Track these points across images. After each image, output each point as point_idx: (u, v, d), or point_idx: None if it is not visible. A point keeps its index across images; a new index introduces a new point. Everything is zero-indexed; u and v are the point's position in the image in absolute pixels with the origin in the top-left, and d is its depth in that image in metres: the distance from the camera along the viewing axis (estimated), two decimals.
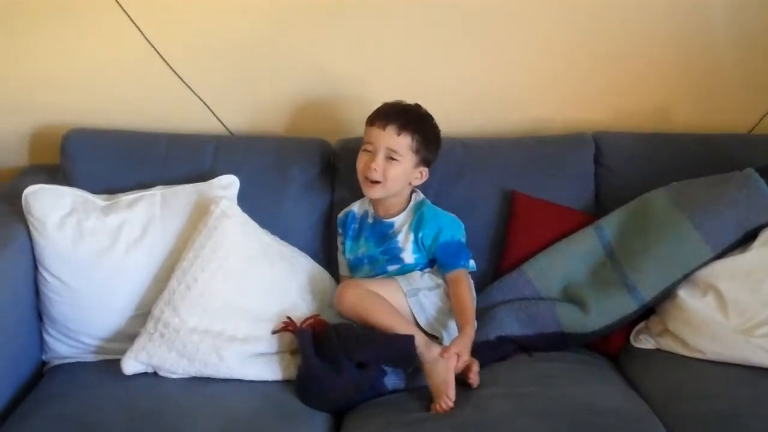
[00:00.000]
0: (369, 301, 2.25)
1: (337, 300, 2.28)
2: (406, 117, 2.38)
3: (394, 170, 2.36)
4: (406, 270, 2.41)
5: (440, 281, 2.38)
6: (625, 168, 2.64)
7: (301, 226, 2.57)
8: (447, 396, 2.07)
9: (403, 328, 2.21)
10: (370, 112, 2.43)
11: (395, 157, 2.36)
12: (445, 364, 2.12)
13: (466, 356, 2.16)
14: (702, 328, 2.29)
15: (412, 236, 2.40)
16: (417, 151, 2.38)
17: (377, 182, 2.37)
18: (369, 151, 2.38)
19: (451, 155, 2.57)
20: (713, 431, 2.01)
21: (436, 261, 2.41)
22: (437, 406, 2.07)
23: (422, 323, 2.29)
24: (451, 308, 2.34)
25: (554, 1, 2.72)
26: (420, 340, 2.19)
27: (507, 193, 2.58)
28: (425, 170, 2.44)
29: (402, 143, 2.36)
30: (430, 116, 2.45)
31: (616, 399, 2.14)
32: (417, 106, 2.44)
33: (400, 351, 2.16)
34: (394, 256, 2.41)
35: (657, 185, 2.51)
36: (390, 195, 2.42)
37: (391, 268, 2.42)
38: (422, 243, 2.40)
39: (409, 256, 2.40)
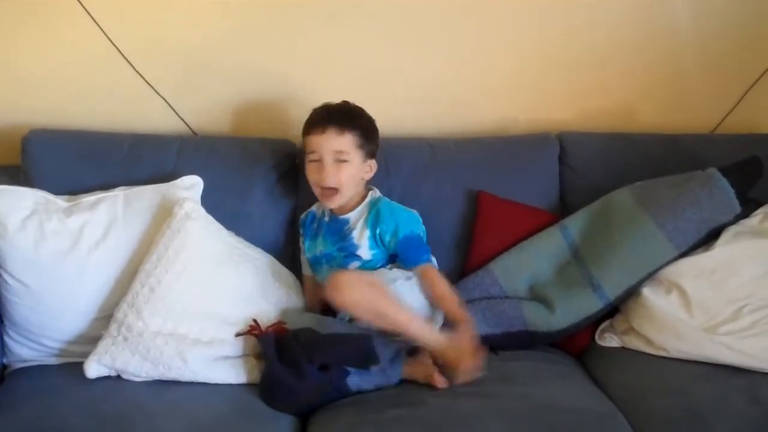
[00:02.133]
0: (374, 291, 2.20)
1: (333, 290, 2.17)
2: (341, 116, 2.37)
3: (346, 171, 2.36)
4: (366, 268, 2.39)
5: (410, 274, 2.36)
6: (589, 168, 2.66)
7: (266, 227, 2.56)
8: (474, 362, 2.15)
9: (408, 316, 2.20)
10: None
11: (343, 158, 2.35)
12: (462, 337, 2.18)
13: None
14: (666, 326, 2.31)
15: (368, 232, 2.38)
16: (361, 146, 2.37)
17: (333, 189, 2.35)
18: (316, 161, 2.36)
19: (417, 156, 2.58)
20: (678, 428, 2.02)
21: (397, 257, 2.40)
22: (463, 377, 2.14)
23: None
24: (429, 301, 2.33)
25: (519, 2, 2.73)
26: (419, 324, 2.21)
27: (473, 193, 2.58)
28: (373, 162, 2.43)
29: (346, 142, 2.35)
30: (361, 108, 2.43)
31: (581, 397, 2.15)
32: (345, 103, 2.42)
33: (359, 351, 2.15)
34: (351, 253, 2.39)
35: (621, 185, 2.53)
36: (348, 198, 2.41)
37: (352, 265, 2.40)
38: (380, 239, 2.38)
39: (365, 252, 2.38)
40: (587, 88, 2.84)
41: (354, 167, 2.37)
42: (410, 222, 2.40)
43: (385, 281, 2.27)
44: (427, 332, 2.21)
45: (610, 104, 2.87)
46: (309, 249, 2.49)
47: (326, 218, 2.46)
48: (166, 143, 2.59)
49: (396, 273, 2.36)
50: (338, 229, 2.43)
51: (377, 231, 2.38)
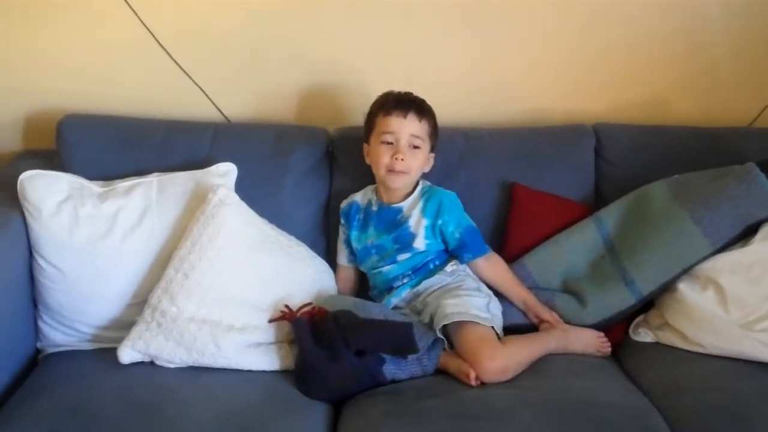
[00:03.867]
0: (526, 355, 2.23)
1: (500, 375, 2.14)
2: (418, 104, 2.39)
3: (418, 159, 2.38)
4: (416, 260, 2.40)
5: (479, 284, 2.40)
6: (624, 160, 2.63)
7: (299, 215, 2.55)
8: (603, 339, 2.36)
9: (546, 346, 2.30)
10: (369, 101, 2.44)
11: (418, 143, 2.36)
12: (580, 331, 2.37)
13: (555, 314, 2.40)
14: (702, 321, 2.29)
15: (425, 221, 2.39)
16: (431, 137, 2.41)
17: (402, 172, 2.36)
18: (389, 143, 2.36)
19: (452, 146, 2.57)
20: (713, 425, 2.00)
21: (458, 248, 2.40)
22: (600, 351, 2.35)
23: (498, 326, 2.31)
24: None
25: None
26: (552, 344, 2.31)
27: (507, 184, 2.57)
28: (433, 156, 2.45)
29: (423, 129, 2.38)
30: (425, 101, 2.45)
31: (615, 392, 2.14)
32: (408, 93, 2.44)
33: (398, 338, 2.14)
34: (406, 243, 2.39)
35: (656, 178, 2.51)
36: (411, 184, 2.42)
37: (401, 257, 2.40)
38: (441, 230, 2.39)
39: (421, 242, 2.39)
40: (622, 79, 2.81)
41: (423, 156, 2.39)
42: (464, 213, 2.42)
43: (485, 319, 2.27)
44: (551, 344, 2.30)
45: (644, 96, 2.85)
46: (358, 240, 2.48)
47: (374, 207, 2.46)
48: (200, 130, 2.59)
49: (471, 283, 2.39)
50: (391, 219, 2.43)
51: (438, 222, 2.38)
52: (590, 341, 2.36)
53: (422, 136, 2.36)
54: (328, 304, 2.27)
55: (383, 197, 2.45)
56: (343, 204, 2.53)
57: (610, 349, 2.38)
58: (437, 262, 2.41)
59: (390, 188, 2.42)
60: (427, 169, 2.44)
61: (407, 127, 2.35)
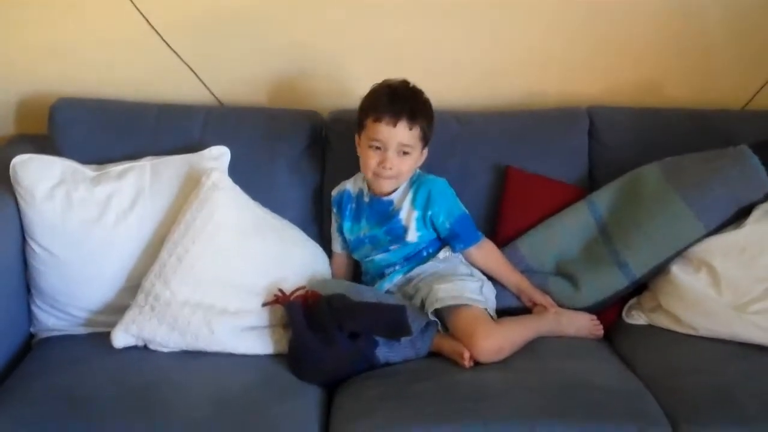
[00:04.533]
0: (521, 334, 2.25)
1: (496, 354, 2.15)
2: (412, 107, 2.31)
3: (408, 164, 2.34)
4: (409, 249, 2.39)
5: (471, 270, 2.40)
6: (618, 142, 2.63)
7: (292, 199, 2.55)
8: (595, 322, 2.39)
9: (539, 327, 2.31)
10: (363, 85, 2.40)
11: (407, 150, 2.32)
12: (573, 314, 2.38)
13: (548, 297, 2.41)
14: (695, 304, 2.29)
15: (416, 213, 2.37)
16: (423, 138, 2.36)
17: (389, 177, 2.34)
18: (377, 148, 2.32)
19: (445, 129, 2.55)
20: (706, 406, 2.01)
21: (448, 237, 2.39)
22: (592, 333, 2.37)
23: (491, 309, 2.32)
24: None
25: None
26: (546, 326, 2.32)
27: (501, 167, 2.57)
28: (426, 150, 2.41)
29: (414, 135, 2.32)
30: (422, 92, 2.39)
31: (609, 374, 2.14)
32: (405, 84, 2.37)
33: (392, 321, 2.15)
34: (398, 236, 2.38)
35: (650, 160, 2.50)
36: (400, 185, 2.40)
37: (394, 247, 2.40)
38: (431, 220, 2.37)
39: (412, 235, 2.37)
40: (616, 63, 2.81)
41: (414, 159, 2.35)
42: (456, 199, 2.41)
43: (479, 301, 2.27)
44: (545, 326, 2.31)
45: (638, 79, 2.84)
46: (351, 231, 2.46)
47: (366, 198, 2.44)
48: (193, 113, 2.59)
49: (463, 269, 2.38)
50: (383, 210, 2.41)
51: (428, 213, 2.36)
52: (583, 324, 2.37)
53: (412, 143, 2.31)
54: (322, 288, 2.27)
55: (374, 188, 2.42)
56: (334, 192, 2.52)
57: (602, 332, 2.39)
58: (430, 250, 2.41)
59: (380, 191, 2.40)
60: (420, 164, 2.41)
61: (396, 136, 2.29)
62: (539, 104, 2.76)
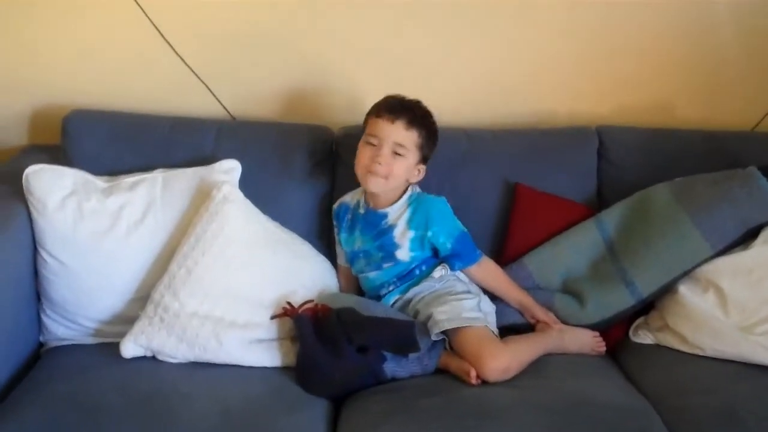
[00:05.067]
0: (528, 353, 2.25)
1: (503, 375, 2.15)
2: (414, 112, 2.35)
3: (399, 166, 2.34)
4: (401, 268, 2.39)
5: (464, 277, 2.41)
6: (627, 162, 2.64)
7: (302, 213, 2.56)
8: (598, 339, 2.40)
9: (544, 346, 2.32)
10: (372, 102, 2.42)
11: (401, 152, 2.33)
12: (576, 331, 2.39)
13: (551, 315, 2.42)
14: (702, 324, 2.29)
15: (411, 233, 2.37)
16: (421, 148, 2.36)
17: (378, 175, 2.34)
18: (372, 144, 2.35)
19: (454, 146, 2.57)
20: (711, 427, 2.01)
21: (449, 257, 2.38)
22: (594, 350, 2.38)
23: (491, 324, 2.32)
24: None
25: None
26: (551, 344, 2.33)
27: (510, 184, 2.57)
28: (423, 168, 2.41)
29: (409, 138, 2.33)
30: (432, 115, 2.41)
31: (615, 393, 2.14)
32: (419, 103, 2.40)
33: (401, 337, 2.15)
34: (389, 253, 2.38)
35: (659, 180, 2.51)
36: (389, 190, 2.40)
37: (386, 265, 2.40)
38: (430, 241, 2.37)
39: (404, 254, 2.37)
40: (626, 82, 2.82)
41: (407, 165, 2.35)
42: (454, 218, 2.40)
43: (477, 318, 2.27)
44: (550, 345, 2.32)
45: (648, 99, 2.85)
46: (346, 242, 2.48)
47: (361, 210, 2.45)
48: (205, 127, 2.60)
49: (460, 286, 2.38)
50: (375, 224, 2.41)
51: (428, 234, 2.36)
52: (586, 341, 2.38)
53: (407, 145, 2.32)
54: (331, 302, 2.28)
55: (370, 201, 2.44)
56: (335, 205, 2.53)
57: (604, 348, 2.39)
58: (423, 268, 2.40)
59: (368, 190, 2.40)
60: (414, 180, 2.41)
61: (392, 134, 2.31)
62: (549, 123, 2.78)
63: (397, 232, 2.38)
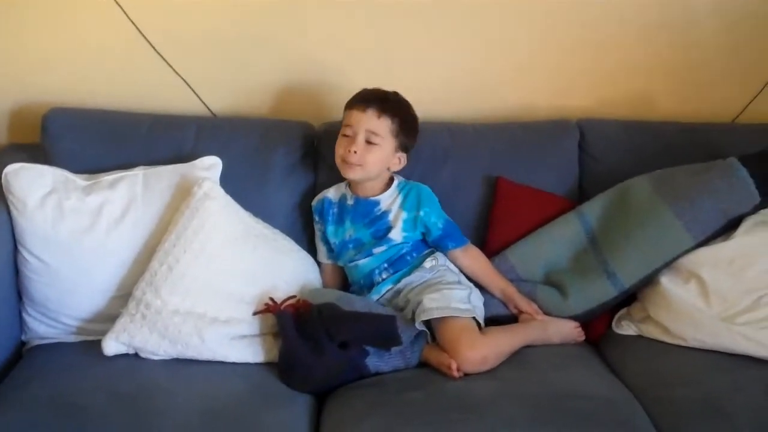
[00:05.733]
0: (508, 343, 2.26)
1: (481, 365, 2.16)
2: (386, 101, 2.39)
3: (374, 155, 2.37)
4: (392, 252, 2.41)
5: (454, 268, 2.42)
6: (608, 155, 2.64)
7: (284, 209, 2.56)
8: (578, 329, 2.40)
9: (527, 337, 2.32)
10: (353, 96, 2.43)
11: (375, 140, 2.35)
12: (559, 322, 2.40)
13: (534, 305, 2.42)
14: (684, 315, 2.30)
15: (404, 214, 2.40)
16: (396, 135, 2.39)
17: (354, 164, 2.37)
18: (348, 136, 2.38)
19: (436, 140, 2.58)
20: (694, 417, 2.02)
21: (441, 237, 2.42)
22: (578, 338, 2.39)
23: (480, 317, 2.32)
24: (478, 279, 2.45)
25: None
26: (533, 335, 2.33)
27: (491, 178, 2.58)
28: (404, 156, 2.44)
29: (382, 125, 2.36)
30: (409, 104, 2.45)
31: (598, 384, 2.15)
32: (396, 94, 2.44)
33: (382, 331, 2.15)
34: (382, 234, 2.41)
35: (640, 172, 2.52)
36: (368, 178, 2.42)
37: (377, 250, 2.41)
38: (423, 221, 2.40)
39: (397, 234, 2.40)
40: (607, 75, 2.82)
41: (382, 152, 2.38)
42: (440, 208, 2.45)
43: (467, 310, 2.28)
44: (532, 335, 2.32)
45: (629, 92, 2.85)
46: (335, 234, 2.48)
47: (350, 201, 2.47)
48: (185, 124, 2.59)
49: (451, 276, 2.39)
50: (367, 212, 2.44)
51: (420, 213, 2.40)
52: (568, 332, 2.39)
53: (380, 133, 2.35)
54: (312, 297, 2.28)
55: (358, 192, 2.46)
56: (314, 201, 2.54)
57: (583, 336, 2.41)
58: (414, 254, 2.42)
59: (347, 178, 2.44)
60: (394, 168, 2.44)
61: (364, 122, 2.35)
62: (530, 117, 2.78)
63: (392, 216, 2.42)
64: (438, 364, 2.17)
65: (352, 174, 2.39)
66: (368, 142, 2.35)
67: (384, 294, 2.40)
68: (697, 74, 2.84)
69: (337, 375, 2.15)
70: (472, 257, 2.44)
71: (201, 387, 2.10)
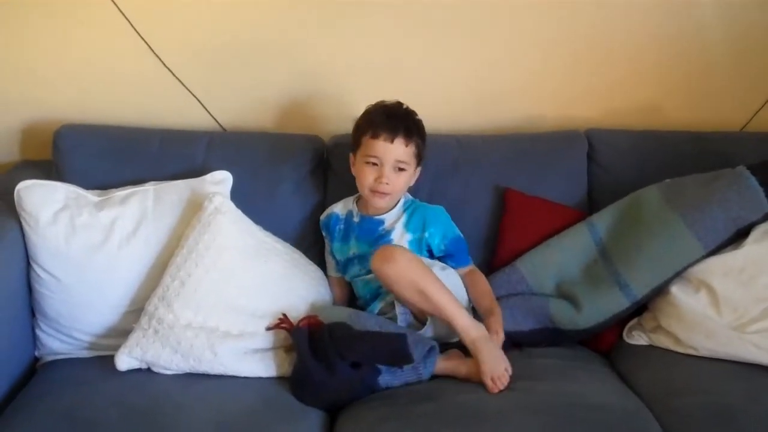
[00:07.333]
0: (422, 268, 2.23)
1: (383, 260, 2.20)
2: (407, 125, 2.37)
3: (402, 180, 2.38)
4: None
5: (443, 265, 2.41)
6: (617, 165, 2.65)
7: (294, 223, 2.57)
8: (506, 369, 2.14)
9: (454, 305, 2.22)
10: (362, 110, 2.43)
11: (403, 167, 2.36)
12: (495, 341, 2.22)
13: (501, 334, 2.26)
14: (695, 324, 2.30)
15: (409, 236, 2.40)
16: (418, 156, 2.40)
17: (385, 194, 2.37)
18: (374, 164, 2.36)
19: (445, 152, 2.59)
20: (706, 426, 2.01)
21: (442, 258, 2.43)
22: (495, 382, 2.11)
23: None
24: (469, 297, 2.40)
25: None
26: (467, 321, 2.21)
27: (500, 189, 2.58)
28: (419, 169, 2.45)
29: (410, 152, 2.37)
30: (415, 112, 2.43)
31: (609, 395, 2.15)
32: (399, 104, 2.42)
33: (393, 350, 2.14)
34: None
35: (649, 182, 2.52)
36: (396, 201, 2.44)
37: None
38: (427, 242, 2.40)
39: None
40: (614, 85, 2.83)
41: (409, 176, 2.40)
42: (452, 223, 2.45)
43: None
44: (464, 318, 2.22)
45: (637, 101, 2.86)
46: (340, 251, 2.49)
47: (356, 219, 2.47)
48: (195, 139, 2.61)
49: (431, 261, 2.38)
50: (372, 230, 2.44)
51: (425, 234, 2.40)
52: (497, 367, 2.15)
53: (408, 160, 2.36)
54: (324, 315, 2.27)
55: (365, 209, 2.46)
56: (323, 216, 2.55)
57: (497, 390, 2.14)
58: None
59: (375, 206, 2.43)
60: (412, 183, 2.45)
61: (393, 153, 2.34)
62: (538, 127, 2.79)
63: (395, 236, 2.41)
64: (468, 375, 2.16)
65: (383, 203, 2.40)
66: (396, 170, 2.36)
67: (387, 299, 2.39)
68: (705, 83, 2.84)
69: (349, 393, 2.15)
70: (471, 281, 2.42)
71: (214, 401, 2.10)
